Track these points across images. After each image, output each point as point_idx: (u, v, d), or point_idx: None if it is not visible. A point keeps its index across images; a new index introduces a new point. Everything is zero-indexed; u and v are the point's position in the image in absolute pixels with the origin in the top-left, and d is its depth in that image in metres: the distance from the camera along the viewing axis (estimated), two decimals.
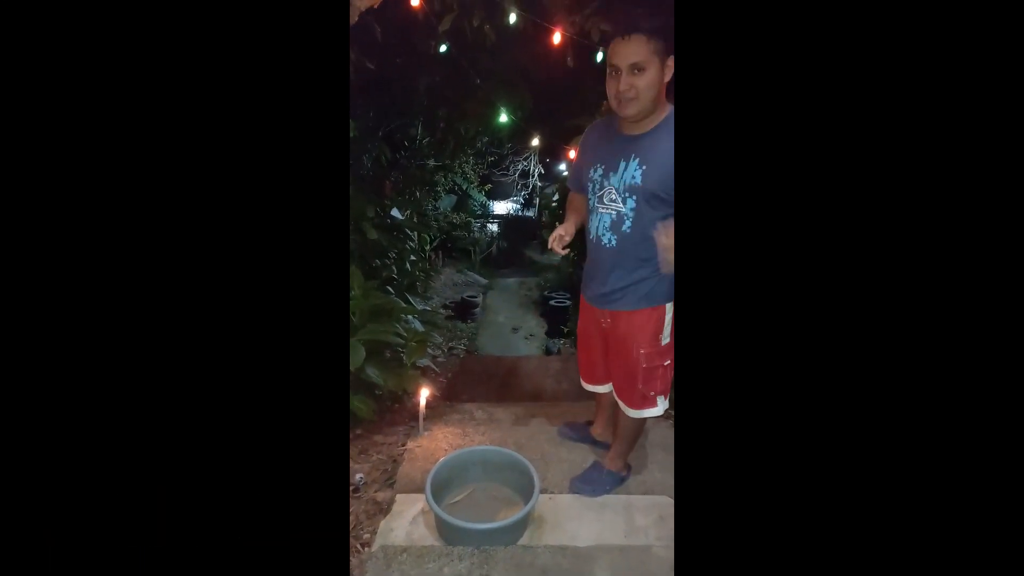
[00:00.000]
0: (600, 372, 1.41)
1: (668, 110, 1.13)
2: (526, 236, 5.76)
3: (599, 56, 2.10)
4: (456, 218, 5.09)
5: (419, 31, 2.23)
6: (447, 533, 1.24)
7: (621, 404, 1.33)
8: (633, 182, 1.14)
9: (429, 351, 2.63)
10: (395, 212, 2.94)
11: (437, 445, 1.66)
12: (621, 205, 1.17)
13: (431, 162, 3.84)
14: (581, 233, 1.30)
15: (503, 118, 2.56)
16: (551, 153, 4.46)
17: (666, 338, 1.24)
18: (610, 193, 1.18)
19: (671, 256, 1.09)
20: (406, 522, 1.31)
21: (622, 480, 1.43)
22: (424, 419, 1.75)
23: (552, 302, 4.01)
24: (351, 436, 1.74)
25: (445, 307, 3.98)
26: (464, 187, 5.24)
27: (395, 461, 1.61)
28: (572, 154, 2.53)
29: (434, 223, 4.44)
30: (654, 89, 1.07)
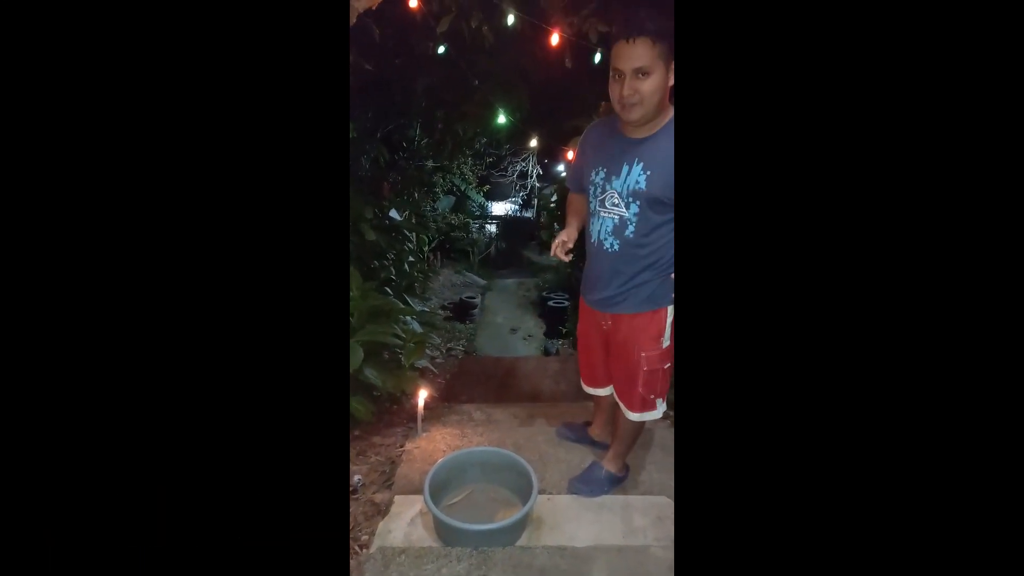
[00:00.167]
0: (601, 375, 1.41)
1: (672, 114, 1.12)
2: (524, 237, 5.76)
3: (597, 57, 2.11)
4: (454, 219, 5.09)
5: (417, 32, 2.23)
6: (445, 534, 1.24)
7: (622, 406, 1.33)
8: (637, 187, 1.13)
9: (427, 352, 2.63)
10: (393, 213, 2.94)
11: (435, 446, 1.65)
12: (624, 210, 1.16)
13: (429, 163, 3.84)
14: (582, 235, 1.30)
15: (501, 119, 2.57)
16: (549, 154, 4.46)
17: (667, 341, 1.23)
18: (612, 197, 1.17)
19: None
20: (404, 523, 1.31)
21: (620, 481, 1.43)
22: (422, 420, 1.75)
23: (550, 303, 4.01)
24: (349, 438, 1.73)
25: (443, 308, 3.98)
26: (462, 188, 5.24)
27: (393, 463, 1.61)
28: (570, 155, 2.53)
29: (432, 224, 4.44)
30: (659, 93, 1.06)
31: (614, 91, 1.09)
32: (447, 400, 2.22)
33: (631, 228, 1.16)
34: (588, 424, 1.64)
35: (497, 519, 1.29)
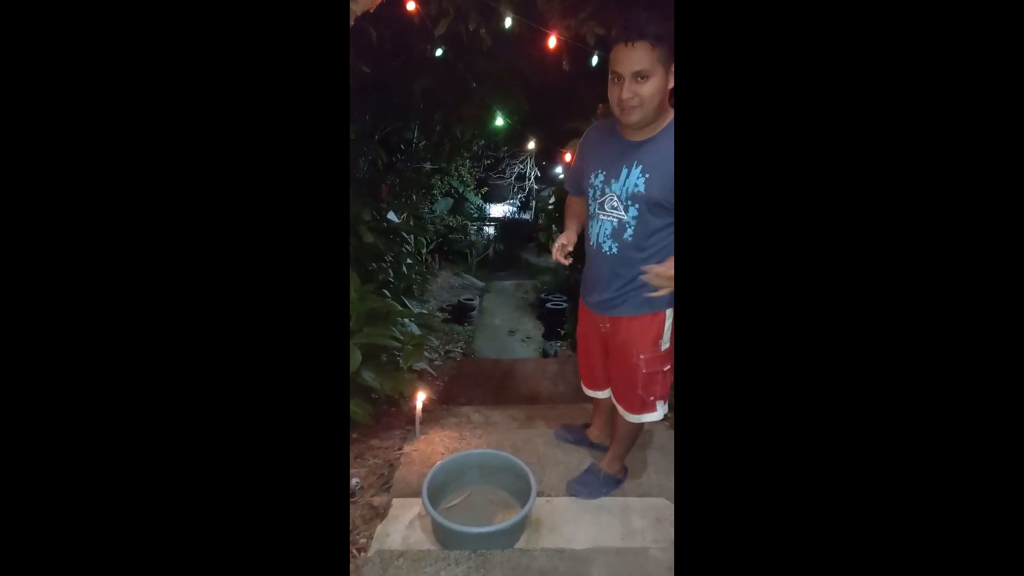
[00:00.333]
0: (600, 377, 1.41)
1: (671, 116, 1.13)
2: (523, 239, 5.76)
3: (594, 60, 2.12)
4: (452, 221, 5.08)
5: (415, 35, 2.24)
6: (444, 537, 1.24)
7: (621, 409, 1.33)
8: (636, 190, 1.13)
9: (426, 354, 2.62)
10: (391, 215, 2.94)
11: (434, 449, 1.65)
12: (623, 213, 1.16)
13: (427, 165, 3.84)
14: (581, 237, 1.30)
15: (499, 121, 2.57)
16: (547, 156, 4.47)
17: (666, 343, 1.23)
18: (611, 200, 1.17)
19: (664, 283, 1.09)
20: (403, 526, 1.30)
21: (619, 483, 1.43)
22: (420, 423, 1.74)
23: (549, 304, 4.01)
24: (349, 438, 1.73)
25: (442, 310, 3.98)
26: (460, 190, 5.24)
27: (391, 465, 1.61)
28: (568, 157, 2.54)
29: (430, 226, 4.43)
30: (658, 97, 1.07)
31: (613, 94, 1.09)
32: (445, 402, 2.21)
33: (630, 231, 1.16)
34: (587, 426, 1.64)
35: (496, 521, 1.29)
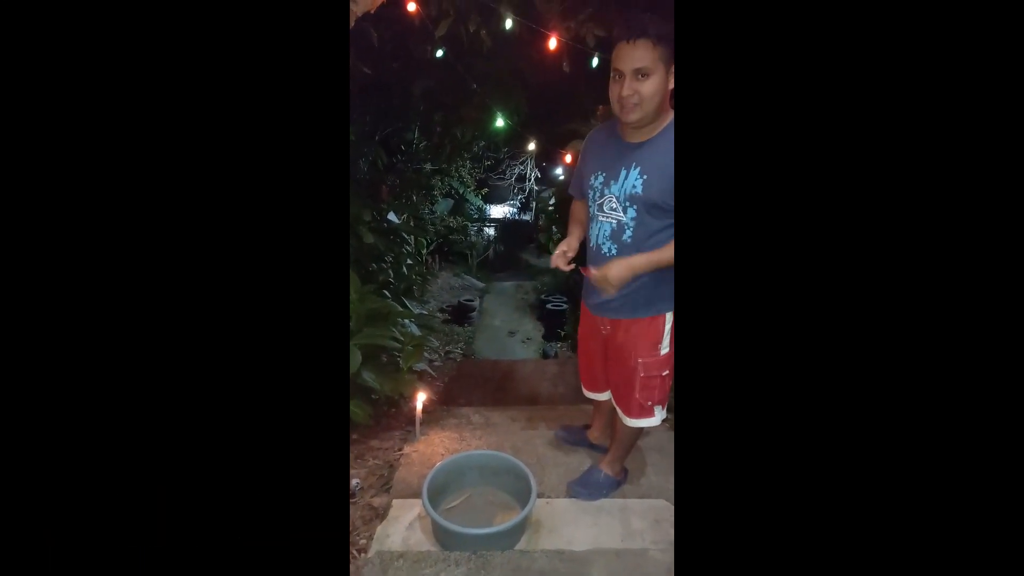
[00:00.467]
0: (601, 379, 1.41)
1: (671, 117, 1.13)
2: (523, 240, 5.76)
3: (594, 62, 2.12)
4: (453, 222, 5.08)
5: (415, 36, 2.24)
6: (444, 538, 1.23)
7: (619, 412, 1.33)
8: (634, 191, 1.13)
9: (426, 355, 2.62)
10: (391, 216, 2.94)
11: (434, 450, 1.65)
12: (622, 214, 1.16)
13: (427, 166, 3.84)
14: (583, 244, 1.31)
15: (499, 123, 2.57)
16: (547, 157, 4.47)
17: (665, 348, 1.23)
18: (611, 202, 1.18)
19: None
20: (403, 527, 1.30)
21: (619, 484, 1.43)
22: (420, 424, 1.74)
23: (549, 305, 4.01)
24: (349, 438, 1.73)
25: (442, 311, 3.98)
26: (461, 191, 5.24)
27: (391, 466, 1.61)
28: (568, 158, 2.54)
29: (431, 227, 4.43)
30: (658, 96, 1.07)
31: (614, 92, 1.10)
32: (445, 403, 2.21)
33: (628, 232, 1.16)
34: (587, 427, 1.64)
35: (496, 523, 1.29)
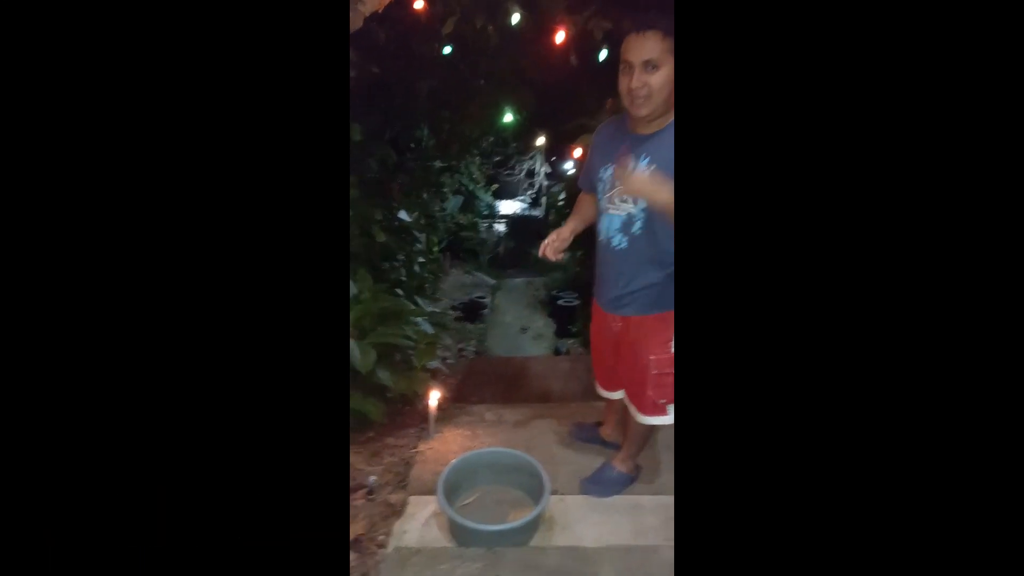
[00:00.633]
0: (614, 377, 1.41)
1: None
2: (533, 236, 5.75)
3: (602, 55, 2.10)
4: (463, 219, 5.10)
5: (422, 34, 2.24)
6: (459, 534, 1.26)
7: (632, 409, 1.33)
8: None
9: (439, 353, 2.65)
10: (402, 214, 2.96)
11: (448, 448, 1.67)
12: (632, 206, 1.16)
13: (437, 163, 3.85)
14: (591, 234, 1.31)
15: (507, 118, 2.57)
16: (556, 152, 4.45)
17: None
18: (621, 194, 1.17)
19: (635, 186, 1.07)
20: (419, 524, 1.33)
21: (631, 481, 1.44)
22: (435, 422, 1.77)
23: (560, 302, 4.01)
24: (363, 439, 1.76)
25: (454, 308, 4.00)
26: (470, 188, 5.24)
27: (407, 464, 1.64)
28: (577, 152, 2.53)
29: (441, 224, 4.45)
30: (668, 88, 1.06)
31: (623, 84, 1.09)
32: (459, 401, 2.24)
33: (639, 224, 1.16)
34: (599, 424, 1.65)
35: (509, 520, 1.31)
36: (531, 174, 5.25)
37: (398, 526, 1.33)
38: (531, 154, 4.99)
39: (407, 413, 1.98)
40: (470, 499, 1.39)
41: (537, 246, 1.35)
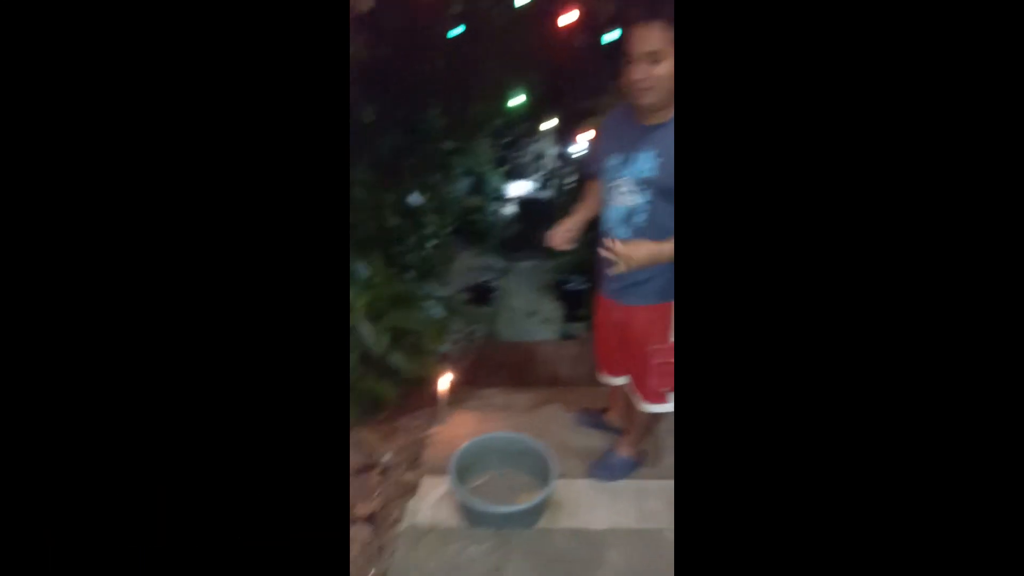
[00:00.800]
0: (617, 364, 1.44)
1: None
2: (542, 218, 5.71)
3: (608, 37, 2.06)
4: (473, 201, 5.07)
5: (430, 17, 2.21)
6: (469, 516, 1.31)
7: (635, 397, 1.36)
8: (649, 174, 1.13)
9: (449, 336, 2.69)
10: (413, 197, 2.97)
11: (459, 431, 1.72)
12: (636, 198, 1.16)
13: (447, 144, 3.82)
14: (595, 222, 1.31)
15: (515, 100, 2.54)
16: (565, 134, 4.39)
17: None
18: (624, 184, 1.17)
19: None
20: (431, 504, 1.38)
21: (636, 466, 1.48)
22: (446, 405, 1.82)
23: (568, 286, 4.02)
24: (377, 420, 1.82)
25: (464, 291, 4.02)
26: (480, 170, 5.20)
27: (419, 444, 1.69)
28: (586, 135, 2.49)
29: (450, 207, 4.44)
30: (671, 79, 1.05)
31: (626, 75, 1.09)
32: (469, 384, 2.28)
33: (643, 216, 1.17)
34: (605, 411, 1.69)
35: (518, 502, 1.36)
36: (540, 156, 5.18)
37: (411, 505, 1.39)
38: (539, 137, 4.91)
39: (419, 395, 2.03)
40: (480, 481, 1.44)
41: (546, 229, 1.35)
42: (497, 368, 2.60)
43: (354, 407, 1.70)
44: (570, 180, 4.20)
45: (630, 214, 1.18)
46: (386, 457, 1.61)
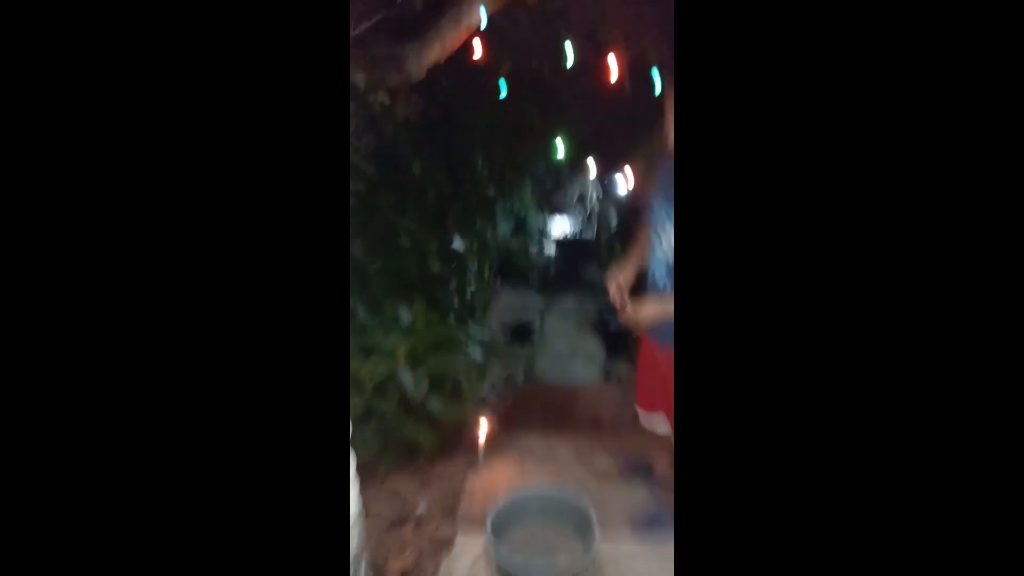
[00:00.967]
0: (655, 398, 1.39)
1: None
2: (584, 257, 5.71)
3: (657, 87, 2.09)
4: (514, 243, 5.16)
5: (479, 76, 2.34)
6: None
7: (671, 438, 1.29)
8: None
9: (488, 380, 2.68)
10: (456, 243, 3.06)
11: (497, 480, 1.68)
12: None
13: (491, 191, 3.95)
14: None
15: (560, 154, 2.61)
16: (608, 176, 4.43)
17: None
18: (669, 234, 1.16)
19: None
20: (467, 564, 1.34)
21: None
22: (484, 453, 1.79)
23: (611, 326, 3.94)
24: (412, 467, 1.81)
25: (503, 330, 4.03)
26: (522, 213, 5.31)
27: (455, 495, 1.66)
28: (630, 177, 2.49)
29: (493, 250, 4.54)
30: None
31: (665, 129, 1.10)
32: (507, 429, 2.24)
33: None
34: (650, 459, 1.60)
35: (558, 563, 1.29)
36: (582, 198, 5.24)
37: (446, 565, 1.35)
38: (582, 180, 5.00)
39: (456, 442, 2.01)
40: (518, 539, 1.38)
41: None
42: (537, 413, 2.55)
43: (390, 454, 1.71)
44: (614, 222, 4.20)
45: (672, 267, 1.16)
46: (421, 508, 1.59)
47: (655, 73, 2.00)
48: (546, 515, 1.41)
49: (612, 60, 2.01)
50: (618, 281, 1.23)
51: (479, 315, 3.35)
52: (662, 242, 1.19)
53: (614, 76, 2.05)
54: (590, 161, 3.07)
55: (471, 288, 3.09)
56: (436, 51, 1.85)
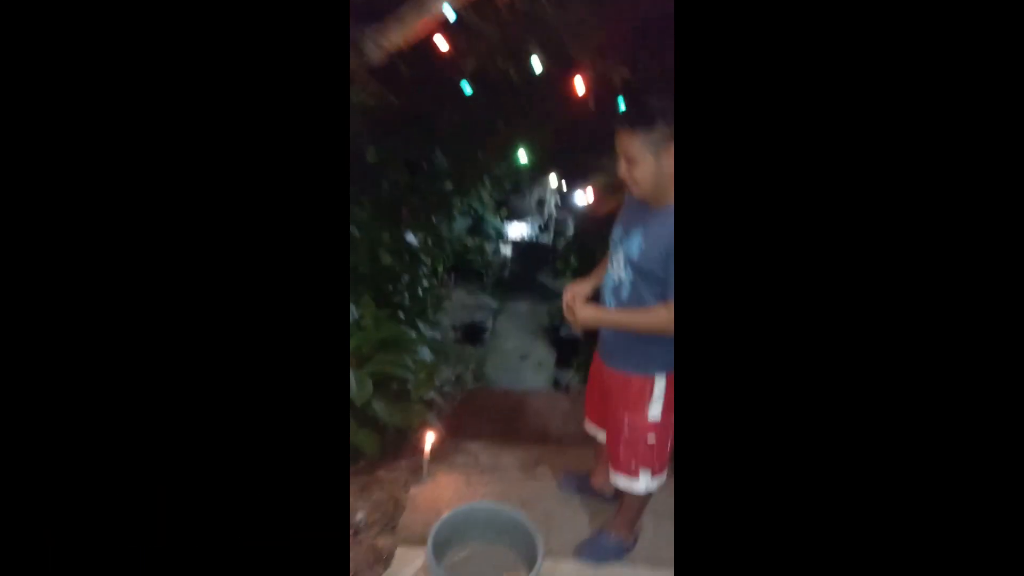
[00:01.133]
0: (601, 415, 1.40)
1: None
2: (540, 262, 5.75)
3: (622, 106, 2.11)
4: (470, 241, 5.10)
5: (445, 70, 2.26)
6: None
7: (608, 461, 1.31)
8: (632, 255, 1.13)
9: (436, 382, 2.61)
10: (410, 237, 2.95)
11: (440, 493, 1.63)
12: (622, 271, 1.17)
13: (448, 185, 3.86)
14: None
15: (523, 160, 2.58)
16: (569, 184, 4.48)
17: (655, 414, 1.20)
18: (619, 257, 1.18)
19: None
20: None
21: (627, 550, 1.39)
22: (428, 463, 1.72)
23: (562, 332, 3.99)
24: (353, 471, 1.71)
25: (455, 329, 3.97)
26: (480, 211, 5.26)
27: (397, 503, 1.59)
28: (590, 193, 2.53)
29: (448, 246, 4.45)
30: (651, 178, 1.06)
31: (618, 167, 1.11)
32: (454, 434, 2.19)
33: (626, 292, 1.17)
34: (590, 474, 1.61)
35: None
36: (541, 203, 5.27)
37: None
38: (543, 184, 5.02)
39: (400, 444, 1.93)
40: (459, 557, 1.34)
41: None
42: (484, 419, 2.51)
43: None
44: (570, 231, 4.25)
45: (618, 286, 1.18)
46: (359, 516, 1.50)
47: (620, 100, 2.03)
48: (489, 531, 1.38)
49: (578, 77, 2.01)
50: (575, 290, 1.22)
51: (430, 313, 3.26)
52: (613, 264, 1.20)
53: (580, 91, 2.05)
54: (551, 171, 3.08)
55: (423, 285, 3.00)
56: (396, 36, 1.77)
